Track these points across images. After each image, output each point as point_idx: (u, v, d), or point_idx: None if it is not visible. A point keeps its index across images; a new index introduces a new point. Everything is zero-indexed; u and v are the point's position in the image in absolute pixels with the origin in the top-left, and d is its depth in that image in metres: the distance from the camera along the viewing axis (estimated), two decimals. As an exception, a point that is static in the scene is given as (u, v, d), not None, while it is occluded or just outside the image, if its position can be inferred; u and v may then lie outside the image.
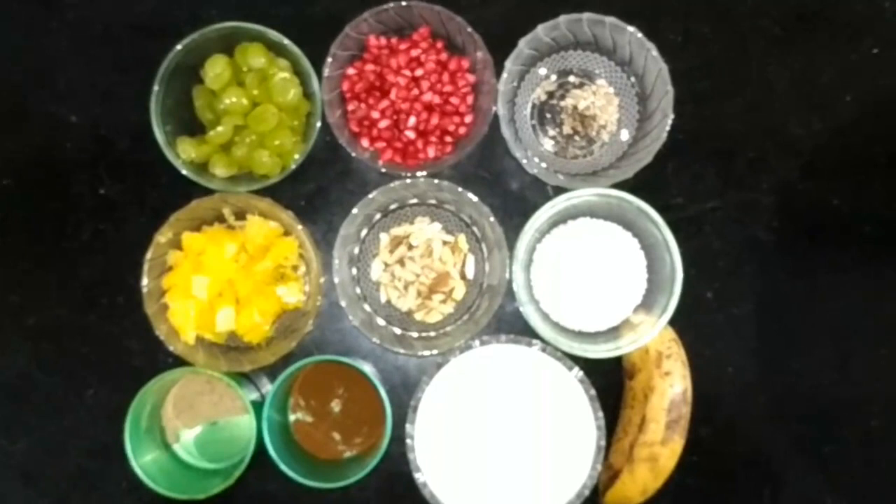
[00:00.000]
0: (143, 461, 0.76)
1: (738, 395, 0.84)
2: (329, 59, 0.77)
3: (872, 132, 0.85)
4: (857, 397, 0.84)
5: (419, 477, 0.75)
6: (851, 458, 0.83)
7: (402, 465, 0.76)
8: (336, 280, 0.77)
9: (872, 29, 0.85)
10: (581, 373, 0.75)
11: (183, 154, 0.78)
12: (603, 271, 0.80)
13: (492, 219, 0.76)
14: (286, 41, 0.77)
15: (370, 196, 0.77)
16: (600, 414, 0.75)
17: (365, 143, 0.81)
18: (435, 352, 0.77)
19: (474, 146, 0.79)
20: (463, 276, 0.83)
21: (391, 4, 0.77)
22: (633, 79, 0.82)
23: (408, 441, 0.75)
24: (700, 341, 0.81)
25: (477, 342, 0.76)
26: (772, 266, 0.84)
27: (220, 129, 0.78)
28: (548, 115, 0.84)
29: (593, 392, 0.75)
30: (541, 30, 0.77)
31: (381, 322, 0.82)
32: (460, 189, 0.76)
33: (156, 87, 0.76)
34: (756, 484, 0.83)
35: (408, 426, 0.75)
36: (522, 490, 0.75)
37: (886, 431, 0.83)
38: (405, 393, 0.81)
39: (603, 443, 0.75)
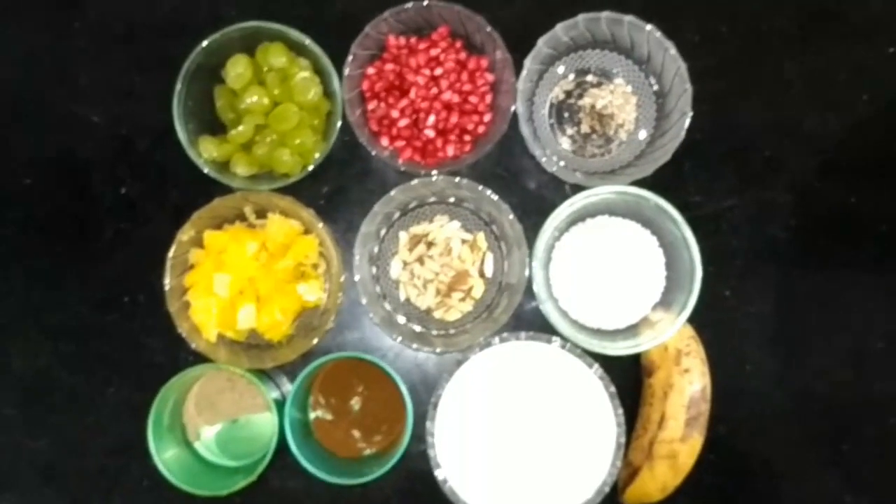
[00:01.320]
0: (165, 459, 0.77)
1: (757, 392, 0.84)
2: (349, 59, 0.78)
3: (889, 130, 0.85)
4: (875, 395, 0.84)
5: (439, 474, 0.75)
6: (870, 455, 0.83)
7: (421, 463, 0.76)
8: (356, 278, 0.77)
9: (888, 27, 0.86)
10: (601, 370, 0.76)
11: (204, 153, 0.79)
12: (622, 269, 0.80)
13: (511, 216, 0.77)
14: (307, 41, 0.78)
15: (390, 194, 0.77)
16: (620, 411, 0.75)
17: (384, 141, 0.81)
18: (454, 350, 0.78)
19: (493, 145, 0.79)
20: (482, 275, 0.83)
21: (410, 4, 0.77)
22: (651, 77, 0.83)
23: (428, 438, 0.75)
24: (718, 339, 0.81)
25: (496, 339, 0.76)
26: (789, 264, 0.84)
27: (241, 128, 0.79)
28: (566, 114, 0.85)
29: (613, 389, 0.75)
30: (559, 29, 0.78)
31: (401, 320, 0.82)
32: (480, 187, 0.77)
33: (178, 86, 0.77)
34: (775, 481, 0.83)
35: (428, 423, 0.75)
36: (542, 487, 0.76)
37: (904, 429, 0.84)
38: (425, 391, 0.82)
39: (623, 439, 0.75)
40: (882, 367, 0.84)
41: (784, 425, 0.84)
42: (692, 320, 0.77)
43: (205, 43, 0.76)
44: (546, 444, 0.76)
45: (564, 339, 0.76)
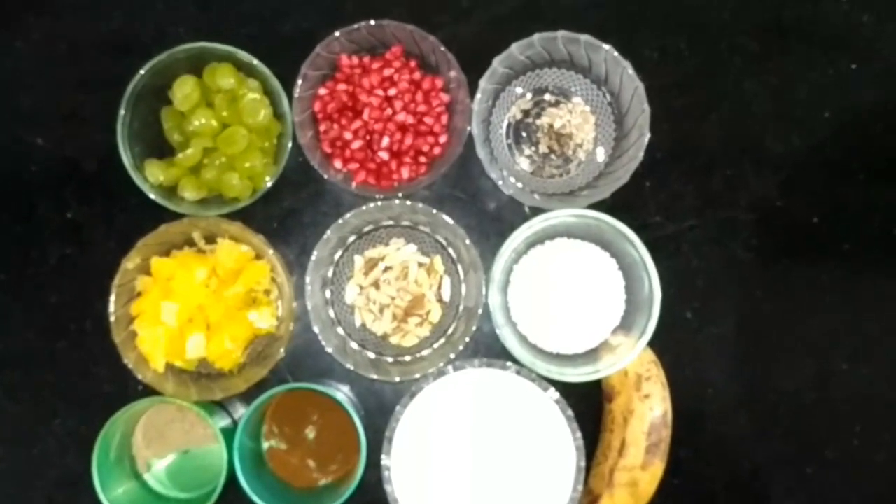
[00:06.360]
0: (114, 493, 0.74)
1: (719, 415, 0.83)
2: (300, 80, 0.76)
3: (851, 148, 0.85)
4: (839, 415, 0.83)
5: (396, 510, 0.73)
6: (834, 476, 0.83)
7: (378, 492, 0.74)
8: (309, 305, 0.75)
9: (850, 44, 0.85)
10: (557, 394, 0.74)
11: (151, 177, 0.76)
12: (581, 292, 0.78)
13: (467, 241, 0.75)
14: (255, 61, 0.76)
15: (344, 218, 0.75)
16: (579, 434, 0.73)
17: (338, 164, 0.79)
18: (410, 377, 0.76)
19: (449, 166, 0.77)
20: (439, 299, 0.81)
21: (363, 23, 0.76)
22: (609, 97, 0.81)
23: (384, 473, 0.73)
24: (680, 362, 0.80)
25: (450, 368, 0.74)
26: (751, 284, 0.83)
27: (189, 151, 0.77)
28: (523, 134, 0.83)
29: (570, 412, 0.74)
30: (515, 48, 0.76)
31: (355, 346, 0.80)
32: (434, 211, 0.75)
33: (122, 112, 0.74)
34: (738, 505, 0.83)
35: (383, 457, 0.73)
36: (502, 516, 0.74)
37: (868, 449, 0.83)
38: (381, 418, 0.79)
39: (583, 463, 0.73)
40: (846, 388, 0.83)
41: (747, 448, 0.83)
42: (653, 343, 0.76)
43: (145, 68, 0.74)
44: (505, 472, 0.74)
45: (521, 364, 0.74)
